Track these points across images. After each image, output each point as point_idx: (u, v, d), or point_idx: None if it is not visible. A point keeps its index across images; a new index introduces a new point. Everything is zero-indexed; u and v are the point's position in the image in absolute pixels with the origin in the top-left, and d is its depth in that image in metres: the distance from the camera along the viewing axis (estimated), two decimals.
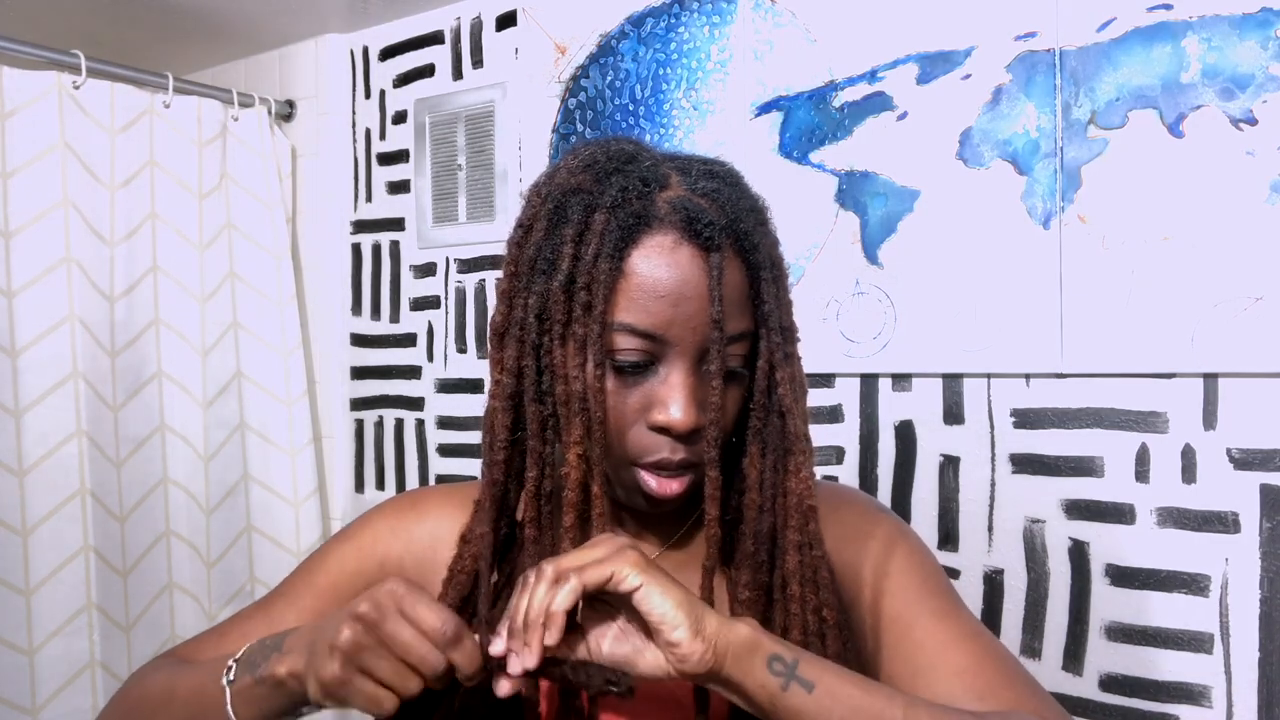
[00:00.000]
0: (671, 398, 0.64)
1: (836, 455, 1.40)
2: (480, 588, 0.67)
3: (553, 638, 0.57)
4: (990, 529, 1.29)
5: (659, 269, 0.64)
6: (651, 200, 0.65)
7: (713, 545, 0.66)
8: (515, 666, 0.58)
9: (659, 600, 0.56)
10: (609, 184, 0.66)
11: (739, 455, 0.69)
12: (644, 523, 0.75)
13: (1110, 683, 1.21)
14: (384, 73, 1.94)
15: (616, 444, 0.66)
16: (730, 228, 0.65)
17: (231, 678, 0.67)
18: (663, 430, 0.65)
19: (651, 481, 0.66)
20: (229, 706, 0.66)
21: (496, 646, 0.59)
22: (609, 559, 0.58)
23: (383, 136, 1.95)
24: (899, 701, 0.58)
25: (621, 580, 0.57)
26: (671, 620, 0.56)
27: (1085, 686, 1.22)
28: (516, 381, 0.67)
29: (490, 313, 1.75)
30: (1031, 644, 1.25)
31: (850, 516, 0.75)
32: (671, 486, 0.66)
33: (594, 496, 0.65)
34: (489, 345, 0.70)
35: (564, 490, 0.65)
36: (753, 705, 0.59)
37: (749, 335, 0.67)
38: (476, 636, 0.60)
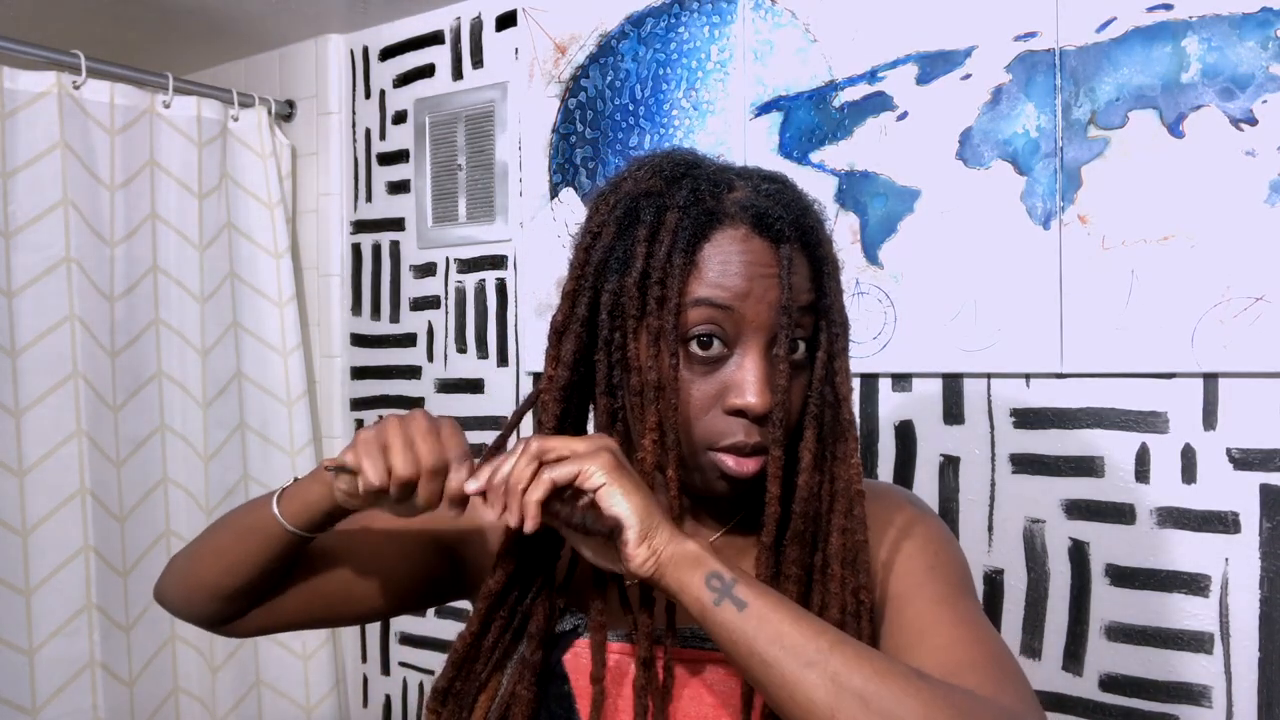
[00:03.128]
0: (747, 382, 0.68)
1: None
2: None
3: (530, 526, 0.63)
4: (990, 529, 1.29)
5: (732, 255, 0.68)
6: (720, 200, 0.70)
7: (771, 522, 0.69)
8: (511, 519, 0.64)
9: (617, 501, 0.62)
10: (679, 186, 0.70)
11: (796, 439, 0.73)
12: (707, 507, 0.78)
13: (1110, 683, 1.21)
14: (384, 73, 1.94)
15: (691, 431, 0.70)
16: (796, 223, 0.70)
17: (283, 487, 0.77)
18: (739, 413, 0.69)
19: (730, 461, 0.69)
20: (274, 502, 0.75)
21: (470, 485, 0.66)
22: (581, 456, 0.63)
23: (383, 136, 1.95)
24: (828, 638, 0.58)
25: (587, 478, 0.62)
26: (625, 521, 0.62)
27: (1085, 686, 1.22)
28: (570, 374, 0.72)
29: (494, 317, 1.76)
30: (1031, 644, 1.25)
31: (880, 508, 0.77)
32: (748, 465, 0.70)
33: (669, 480, 0.69)
34: (547, 342, 0.73)
35: (641, 474, 0.68)
36: (690, 614, 0.62)
37: (812, 323, 0.72)
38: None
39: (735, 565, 0.63)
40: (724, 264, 0.68)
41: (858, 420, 0.73)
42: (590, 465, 0.62)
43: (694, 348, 0.69)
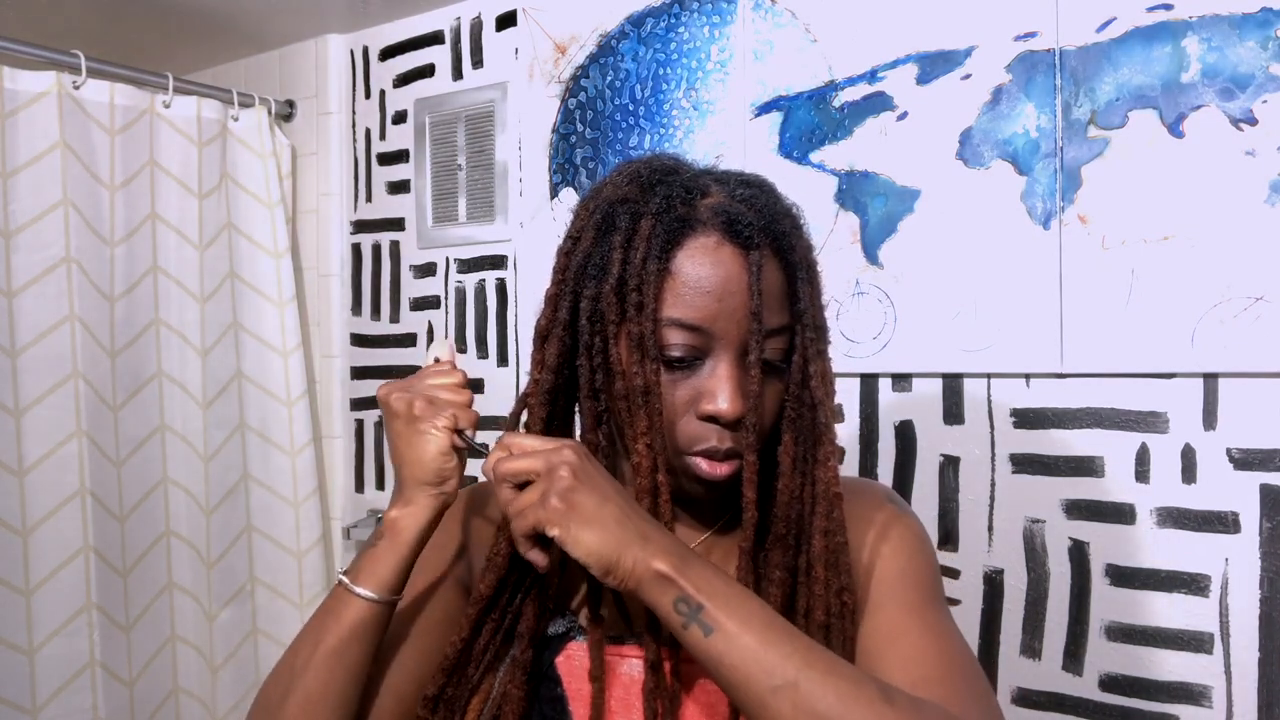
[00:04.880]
0: (719, 389, 0.69)
1: (837, 455, 1.40)
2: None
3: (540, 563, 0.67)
4: (990, 529, 1.29)
5: (703, 267, 0.69)
6: (694, 206, 0.70)
7: (749, 527, 0.70)
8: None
9: (574, 545, 0.62)
10: (654, 193, 0.71)
11: (777, 444, 0.73)
12: (690, 509, 0.79)
13: (1110, 683, 1.21)
14: (384, 73, 1.94)
15: (668, 435, 0.71)
16: (768, 229, 0.70)
17: (345, 570, 0.75)
18: (711, 419, 0.70)
19: (703, 464, 0.70)
20: (356, 585, 0.72)
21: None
22: (534, 508, 0.64)
23: (383, 136, 1.95)
24: (796, 661, 0.59)
25: (547, 530, 0.63)
26: (584, 560, 0.63)
27: (1085, 686, 1.22)
28: (555, 378, 0.73)
29: (495, 317, 1.76)
30: (1031, 644, 1.25)
31: (859, 506, 0.77)
32: (721, 469, 0.70)
33: (660, 484, 0.69)
34: (532, 345, 0.75)
35: (636, 479, 0.69)
36: (668, 628, 0.64)
37: (787, 330, 0.72)
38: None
39: (708, 580, 0.62)
40: (696, 277, 0.68)
41: (835, 424, 0.74)
42: (540, 515, 0.63)
43: (669, 353, 0.70)
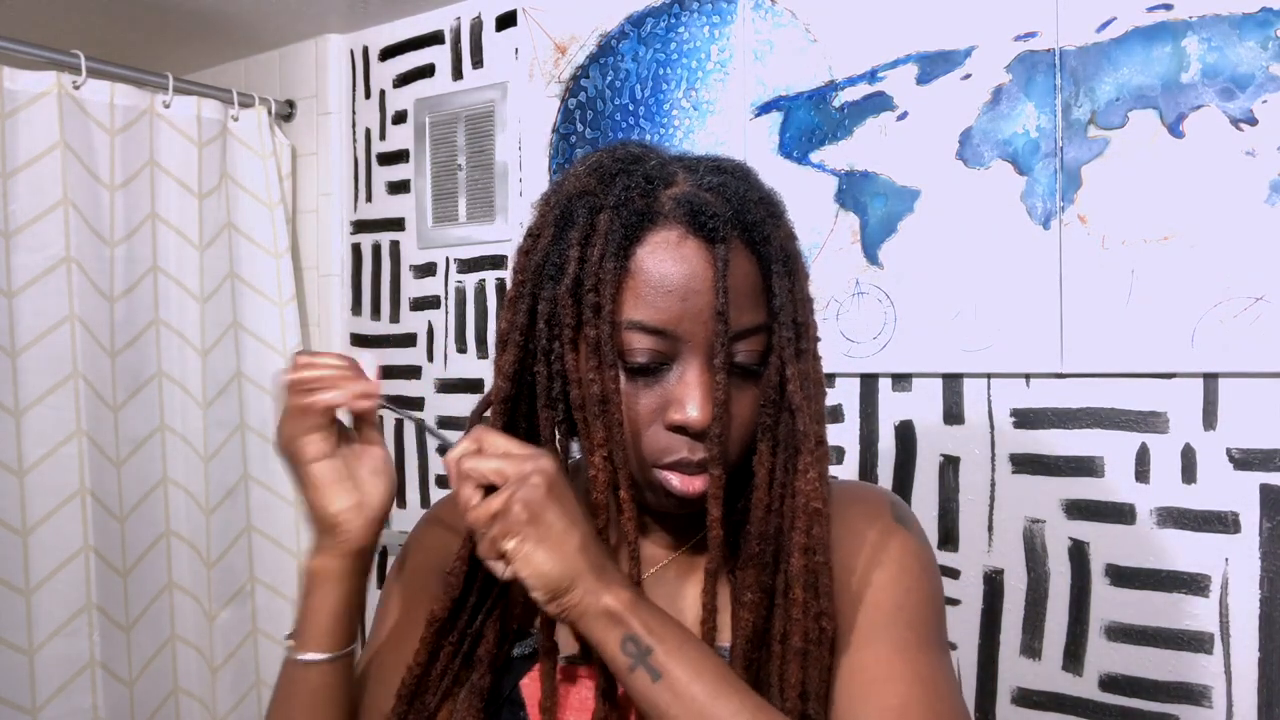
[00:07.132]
0: (688, 396, 0.63)
1: (837, 455, 1.40)
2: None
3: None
4: (990, 529, 1.29)
5: (665, 264, 0.63)
6: (655, 197, 0.65)
7: (714, 547, 0.65)
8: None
9: (522, 565, 0.59)
10: (613, 185, 0.65)
11: (755, 454, 0.68)
12: (665, 524, 0.74)
13: (1110, 683, 1.21)
14: (384, 73, 1.94)
15: (635, 447, 0.65)
16: (736, 219, 0.64)
17: (293, 644, 0.72)
18: (680, 429, 0.64)
19: (675, 480, 0.65)
20: (302, 654, 0.70)
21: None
22: (494, 532, 0.60)
23: (383, 136, 1.95)
24: (745, 719, 0.56)
25: (501, 540, 0.60)
26: (528, 584, 0.60)
27: (1085, 686, 1.22)
28: (511, 386, 0.68)
29: (495, 317, 1.76)
30: (1031, 644, 1.25)
31: (854, 518, 0.70)
32: (695, 484, 0.65)
33: (621, 500, 0.65)
34: (494, 350, 0.70)
35: (591, 493, 0.65)
36: (610, 670, 0.60)
37: (763, 329, 0.66)
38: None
39: (661, 623, 0.59)
40: (658, 276, 0.63)
41: (821, 432, 0.68)
42: (497, 528, 0.60)
43: (632, 360, 0.64)
